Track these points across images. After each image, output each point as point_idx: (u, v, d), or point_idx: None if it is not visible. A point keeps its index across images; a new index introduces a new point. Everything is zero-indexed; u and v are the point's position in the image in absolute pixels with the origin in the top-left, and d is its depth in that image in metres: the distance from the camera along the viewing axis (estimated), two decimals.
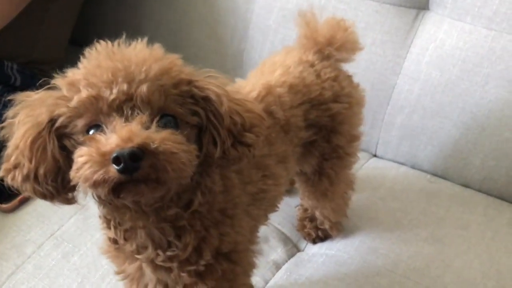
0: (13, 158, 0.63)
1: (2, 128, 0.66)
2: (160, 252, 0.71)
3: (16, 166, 0.63)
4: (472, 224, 1.17)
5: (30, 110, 0.65)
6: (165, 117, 0.62)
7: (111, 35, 1.84)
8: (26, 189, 0.64)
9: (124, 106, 0.61)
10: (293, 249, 1.16)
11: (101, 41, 0.67)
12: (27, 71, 1.44)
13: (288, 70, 0.92)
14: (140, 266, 0.74)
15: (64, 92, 0.63)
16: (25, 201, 1.22)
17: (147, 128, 0.59)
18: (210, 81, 0.67)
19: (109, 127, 0.60)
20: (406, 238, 1.13)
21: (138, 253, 0.72)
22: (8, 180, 0.64)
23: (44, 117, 0.63)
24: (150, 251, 0.71)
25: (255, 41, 1.49)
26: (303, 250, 1.16)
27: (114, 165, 0.56)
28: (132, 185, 0.58)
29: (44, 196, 0.65)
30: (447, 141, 1.28)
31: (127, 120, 0.60)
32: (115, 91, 0.60)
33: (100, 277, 1.07)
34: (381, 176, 1.32)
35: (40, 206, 1.21)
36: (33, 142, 0.63)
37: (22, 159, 0.63)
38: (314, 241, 1.16)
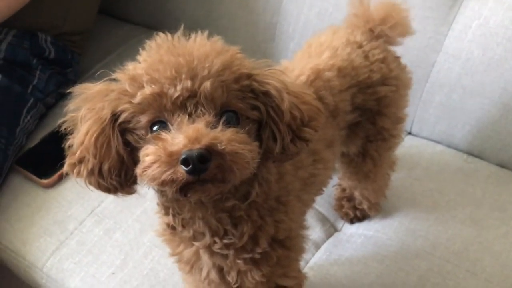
0: (77, 153, 0.64)
1: (65, 121, 0.66)
2: (217, 239, 0.72)
3: (81, 161, 0.64)
4: (509, 206, 1.17)
5: (92, 104, 0.65)
6: (226, 113, 0.62)
7: (139, 3, 1.81)
8: (91, 183, 0.65)
9: (187, 102, 0.60)
10: (331, 229, 1.17)
11: (161, 33, 0.66)
12: (60, 43, 1.43)
13: (336, 52, 0.90)
14: (196, 251, 0.76)
15: (126, 87, 0.62)
16: (64, 176, 1.23)
17: (212, 126, 0.59)
18: (270, 75, 0.67)
19: (173, 125, 0.60)
20: (444, 220, 1.13)
21: (195, 239, 0.74)
22: (74, 175, 0.65)
23: (106, 112, 0.63)
24: (207, 239, 0.72)
25: (289, 14, 1.45)
26: (340, 230, 1.17)
27: (182, 166, 0.57)
28: (199, 184, 0.59)
29: (108, 190, 0.66)
30: (486, 122, 1.27)
31: (190, 116, 0.60)
32: (179, 88, 0.60)
33: (143, 255, 1.09)
34: (417, 155, 1.31)
35: (79, 183, 1.22)
36: (97, 138, 0.63)
37: (87, 155, 0.63)
38: (351, 221, 1.16)
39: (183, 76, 0.60)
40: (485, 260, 1.05)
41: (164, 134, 0.60)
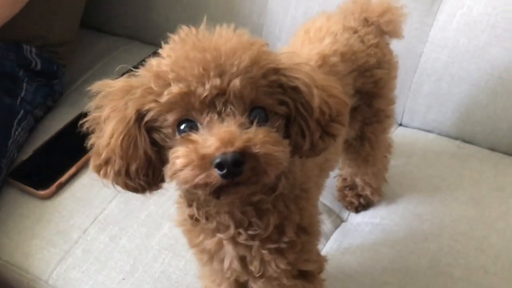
0: (103, 154, 0.62)
1: (86, 121, 0.64)
2: (241, 231, 0.71)
3: (107, 162, 0.62)
4: (506, 186, 1.20)
5: (115, 102, 0.63)
6: (255, 109, 0.61)
7: (120, 14, 1.80)
8: (118, 184, 0.64)
9: (216, 101, 0.59)
10: (337, 220, 1.17)
11: (184, 27, 0.64)
12: (45, 55, 1.41)
13: (336, 37, 0.92)
14: (219, 242, 0.74)
15: (152, 84, 0.60)
16: (62, 186, 1.20)
17: (244, 127, 0.58)
18: (299, 69, 0.65)
19: (203, 124, 0.59)
20: (447, 203, 1.16)
21: (219, 231, 0.73)
22: (100, 176, 0.64)
23: (131, 111, 0.61)
24: (231, 230, 0.71)
25: (275, 15, 1.47)
26: (346, 221, 1.18)
27: (216, 170, 0.56)
28: (233, 187, 0.58)
29: (135, 190, 0.64)
30: (475, 107, 1.31)
31: (219, 115, 0.59)
32: (207, 87, 0.58)
33: (152, 258, 1.07)
34: (411, 144, 1.34)
35: (78, 191, 1.20)
36: (123, 139, 0.61)
37: (113, 156, 0.62)
38: (356, 210, 1.17)
39: (211, 73, 0.58)
40: (492, 238, 1.08)
41: (194, 135, 0.58)
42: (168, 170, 0.60)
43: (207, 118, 0.59)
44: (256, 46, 0.62)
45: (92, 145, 0.64)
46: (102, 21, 1.77)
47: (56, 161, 1.25)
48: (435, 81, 1.33)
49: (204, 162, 0.56)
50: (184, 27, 0.64)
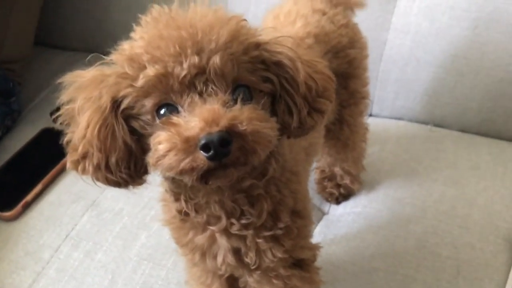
0: (80, 148, 0.58)
1: (59, 115, 0.60)
2: (234, 221, 0.68)
3: (84, 157, 0.58)
4: (481, 164, 1.21)
5: (88, 92, 0.59)
6: (238, 88, 0.57)
7: (75, 28, 1.75)
8: (98, 179, 0.59)
9: (196, 81, 0.55)
10: (319, 213, 1.15)
11: (156, 6, 0.60)
12: None
13: (307, 20, 0.90)
14: (211, 236, 0.70)
15: (126, 69, 0.56)
16: (28, 205, 1.14)
17: (228, 105, 0.55)
18: (281, 43, 0.62)
19: (183, 107, 0.55)
20: (426, 185, 1.15)
21: (210, 224, 0.69)
22: (79, 172, 0.59)
23: (106, 100, 0.57)
24: (223, 221, 0.68)
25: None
26: (328, 213, 1.16)
27: (202, 152, 0.52)
28: (221, 170, 0.54)
29: (118, 184, 0.60)
30: (443, 90, 1.32)
31: (201, 96, 0.55)
32: (185, 66, 0.54)
33: (132, 270, 1.01)
34: (384, 132, 1.33)
35: (46, 209, 1.14)
36: (100, 130, 0.57)
37: (91, 149, 0.57)
38: (337, 200, 1.15)
39: (189, 51, 0.54)
40: (474, 214, 1.08)
41: (175, 118, 0.55)
42: (150, 157, 0.56)
43: (188, 100, 0.55)
44: (234, 21, 0.58)
45: (67, 142, 0.60)
46: (58, 38, 1.72)
47: (20, 181, 1.19)
48: (402, 68, 1.34)
49: (188, 145, 0.52)
50: (156, 6, 0.60)
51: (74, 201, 1.15)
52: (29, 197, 1.14)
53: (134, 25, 0.60)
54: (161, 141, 0.54)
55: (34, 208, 1.14)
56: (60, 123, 0.61)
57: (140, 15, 0.61)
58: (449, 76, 1.30)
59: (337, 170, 1.13)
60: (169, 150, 0.53)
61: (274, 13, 0.94)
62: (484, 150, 1.26)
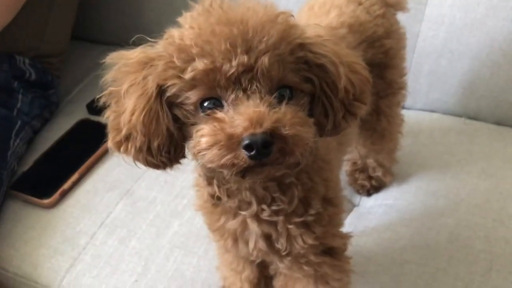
0: (124, 131, 0.60)
1: (103, 95, 0.62)
2: (264, 207, 0.69)
3: (127, 138, 0.60)
4: None
5: (134, 76, 0.60)
6: (282, 88, 0.58)
7: (111, 24, 1.78)
8: (139, 160, 0.61)
9: (242, 78, 0.56)
10: (349, 205, 1.15)
11: None
12: (38, 65, 1.39)
13: (341, 10, 0.90)
14: (243, 221, 0.72)
15: (174, 59, 0.57)
16: (65, 193, 1.17)
17: (272, 105, 0.56)
18: (325, 45, 0.62)
19: (228, 102, 0.57)
20: (460, 178, 1.13)
21: (241, 209, 0.70)
22: (121, 152, 0.61)
23: (152, 86, 0.59)
24: (254, 207, 0.69)
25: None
26: (358, 205, 1.15)
27: (244, 151, 0.54)
28: (259, 167, 0.56)
29: (156, 166, 0.62)
30: (478, 82, 1.29)
31: (245, 93, 0.56)
32: (234, 63, 0.55)
33: (164, 257, 1.04)
34: (416, 125, 1.32)
35: (82, 198, 1.17)
36: (145, 116, 0.59)
37: (134, 132, 0.59)
38: (368, 193, 1.15)
39: (238, 50, 0.55)
40: (509, 208, 1.06)
41: (220, 114, 0.56)
42: (192, 148, 0.58)
43: (232, 96, 0.56)
44: (283, 19, 0.59)
45: (108, 119, 0.62)
46: (94, 32, 1.75)
47: (58, 170, 1.22)
48: (435, 60, 1.32)
49: (231, 142, 0.54)
50: None
51: (109, 190, 1.18)
52: (66, 185, 1.17)
53: (183, 11, 0.61)
54: (204, 135, 0.56)
55: (71, 196, 1.17)
56: (103, 102, 0.62)
57: (181, 11, 0.60)
58: (484, 68, 1.27)
59: (370, 162, 1.13)
60: (212, 145, 0.55)
61: (310, 4, 0.94)
62: None
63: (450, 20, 1.27)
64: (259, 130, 0.53)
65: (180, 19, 0.60)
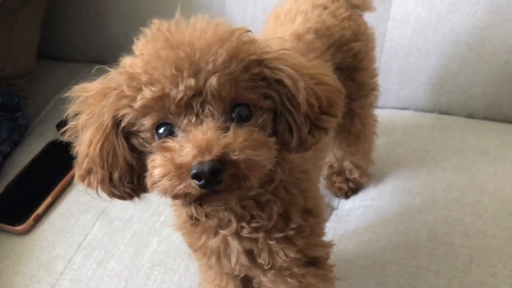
0: (84, 164, 0.59)
1: (66, 130, 0.61)
2: (244, 224, 0.68)
3: (89, 172, 0.59)
4: (490, 149, 1.20)
5: (91, 109, 0.59)
6: (237, 107, 0.57)
7: (77, 40, 1.75)
8: (104, 193, 0.60)
9: (193, 102, 0.55)
10: (328, 209, 1.14)
11: (156, 21, 0.59)
12: (4, 88, 1.36)
13: (307, 16, 0.90)
14: (224, 239, 0.70)
15: (124, 88, 0.56)
16: (39, 218, 1.15)
17: (223, 128, 0.54)
18: (282, 59, 0.60)
19: (181, 128, 0.56)
20: (435, 174, 1.14)
21: (221, 227, 0.69)
22: (85, 186, 0.60)
23: (107, 118, 0.58)
24: (234, 225, 0.68)
25: (234, 14, 1.45)
26: (337, 208, 1.15)
27: (194, 180, 0.53)
28: (215, 195, 0.55)
29: (122, 198, 0.61)
30: (447, 77, 1.30)
31: (198, 117, 0.55)
32: (181, 88, 0.54)
33: (145, 276, 1.02)
34: (389, 123, 1.32)
35: (57, 221, 1.14)
36: (101, 148, 0.58)
37: (94, 166, 0.59)
38: (346, 195, 1.15)
39: (185, 73, 0.54)
40: (485, 201, 1.07)
41: (171, 142, 0.55)
42: (148, 178, 0.57)
43: (185, 121, 0.55)
44: (235, 37, 0.57)
45: (76, 154, 0.61)
46: (61, 50, 1.73)
47: (30, 194, 1.20)
48: (403, 57, 1.33)
49: (181, 172, 0.53)
50: (156, 21, 0.59)
51: (84, 211, 1.15)
52: (39, 210, 1.15)
53: (135, 39, 0.60)
54: (155, 166, 0.55)
55: (45, 221, 1.14)
56: (68, 137, 0.61)
57: (140, 28, 0.60)
58: (452, 63, 1.29)
59: (347, 164, 1.13)
60: (163, 176, 0.54)
61: (276, 12, 0.94)
62: (492, 135, 1.25)
63: (415, 18, 1.28)
64: (207, 158, 0.52)
65: (133, 46, 0.59)
